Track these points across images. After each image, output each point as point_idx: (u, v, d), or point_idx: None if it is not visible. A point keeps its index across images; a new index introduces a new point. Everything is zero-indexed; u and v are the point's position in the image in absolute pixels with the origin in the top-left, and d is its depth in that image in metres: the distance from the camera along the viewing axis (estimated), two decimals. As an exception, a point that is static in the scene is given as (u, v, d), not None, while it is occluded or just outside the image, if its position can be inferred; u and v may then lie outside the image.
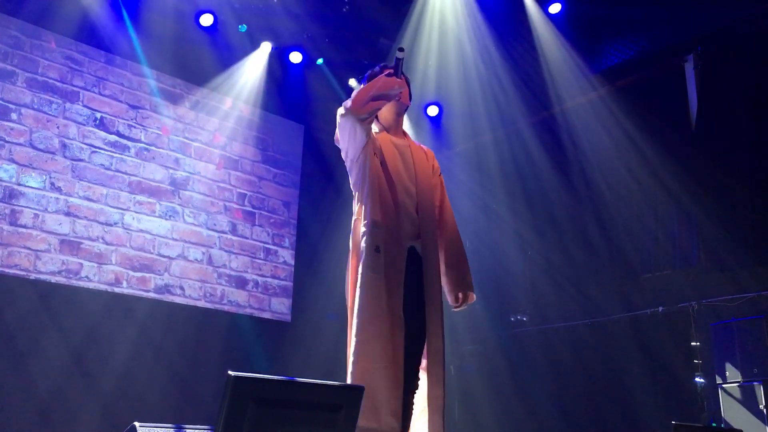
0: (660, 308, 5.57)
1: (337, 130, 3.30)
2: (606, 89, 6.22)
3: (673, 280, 5.56)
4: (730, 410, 4.69)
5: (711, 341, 5.04)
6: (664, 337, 5.48)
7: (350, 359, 3.08)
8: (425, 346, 3.21)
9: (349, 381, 3.05)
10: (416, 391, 3.19)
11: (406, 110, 3.50)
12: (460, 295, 3.43)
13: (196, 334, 6.03)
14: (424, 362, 3.22)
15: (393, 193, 3.24)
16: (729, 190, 5.27)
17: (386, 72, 3.28)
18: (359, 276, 3.14)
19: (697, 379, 5.16)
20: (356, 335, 3.06)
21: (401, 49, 3.18)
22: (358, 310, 3.09)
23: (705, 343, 5.19)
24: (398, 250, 3.19)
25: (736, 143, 5.36)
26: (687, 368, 5.23)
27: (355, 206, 3.33)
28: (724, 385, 4.76)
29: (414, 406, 3.18)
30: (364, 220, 3.21)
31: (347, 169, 3.38)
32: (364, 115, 3.15)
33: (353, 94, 3.16)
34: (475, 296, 3.47)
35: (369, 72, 3.48)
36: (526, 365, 6.45)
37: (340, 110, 3.20)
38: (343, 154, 3.36)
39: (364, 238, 3.16)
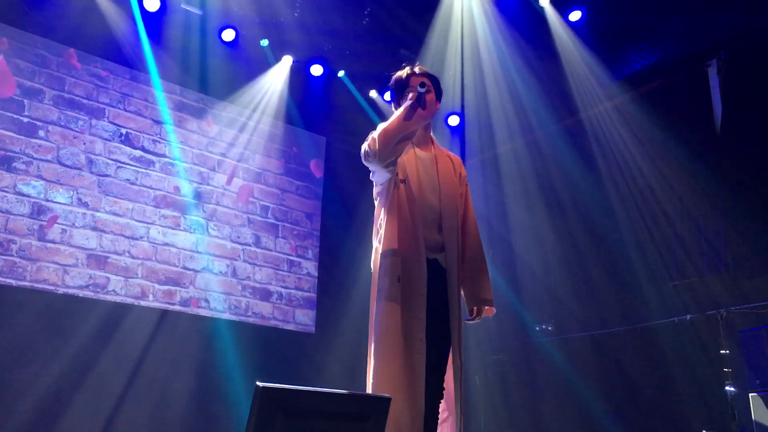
0: (688, 316, 5.49)
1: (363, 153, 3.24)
2: (629, 95, 6.18)
3: (702, 288, 5.49)
4: (762, 418, 4.60)
5: (741, 349, 4.96)
6: (693, 346, 5.40)
7: (369, 387, 3.07)
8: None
9: None
10: (441, 400, 3.16)
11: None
12: (475, 308, 3.36)
13: (221, 346, 6.06)
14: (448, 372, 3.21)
15: (413, 212, 3.19)
16: (756, 194, 5.20)
17: (409, 97, 3.19)
18: (377, 304, 3.13)
19: (727, 388, 5.07)
20: (374, 366, 3.05)
21: (422, 85, 3.16)
22: (375, 339, 3.08)
23: (735, 350, 5.10)
24: (419, 272, 3.13)
25: (763, 148, 5.29)
26: (717, 376, 5.15)
27: (377, 224, 3.31)
28: (754, 394, 4.68)
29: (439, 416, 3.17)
30: (383, 247, 3.18)
31: (373, 182, 3.38)
32: (389, 160, 3.13)
33: (377, 139, 3.09)
34: (494, 310, 3.40)
35: (394, 79, 3.45)
36: (551, 375, 6.39)
37: (366, 148, 3.15)
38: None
39: (383, 266, 3.15)
